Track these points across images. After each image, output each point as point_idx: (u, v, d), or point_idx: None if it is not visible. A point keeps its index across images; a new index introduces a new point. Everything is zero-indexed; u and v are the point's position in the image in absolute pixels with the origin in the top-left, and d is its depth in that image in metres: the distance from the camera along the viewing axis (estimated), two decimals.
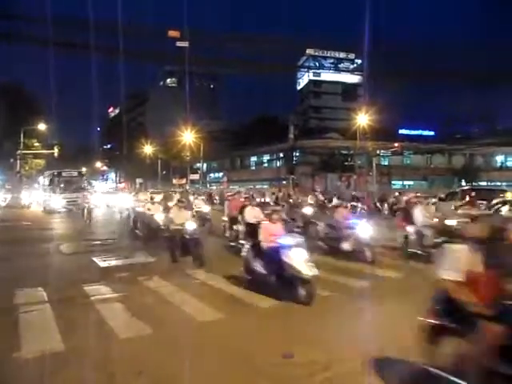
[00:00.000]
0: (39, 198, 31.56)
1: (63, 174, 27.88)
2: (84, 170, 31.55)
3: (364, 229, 9.17)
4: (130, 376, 3.75)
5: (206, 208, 15.85)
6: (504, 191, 19.17)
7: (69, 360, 4.08)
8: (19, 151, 37.34)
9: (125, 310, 5.67)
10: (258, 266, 6.50)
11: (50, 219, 21.82)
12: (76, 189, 26.99)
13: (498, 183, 48.35)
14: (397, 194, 24.18)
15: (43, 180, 31.09)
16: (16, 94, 38.93)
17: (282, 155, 50.19)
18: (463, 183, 45.16)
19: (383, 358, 3.97)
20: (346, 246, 9.09)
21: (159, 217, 11.49)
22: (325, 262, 8.19)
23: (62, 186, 26.89)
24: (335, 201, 20.11)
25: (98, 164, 76.29)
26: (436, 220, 9.65)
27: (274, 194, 25.84)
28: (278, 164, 53.48)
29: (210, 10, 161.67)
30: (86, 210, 18.74)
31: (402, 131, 57.45)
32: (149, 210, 12.23)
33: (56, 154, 39.66)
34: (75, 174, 29.07)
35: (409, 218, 9.28)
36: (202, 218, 13.63)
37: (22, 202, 33.68)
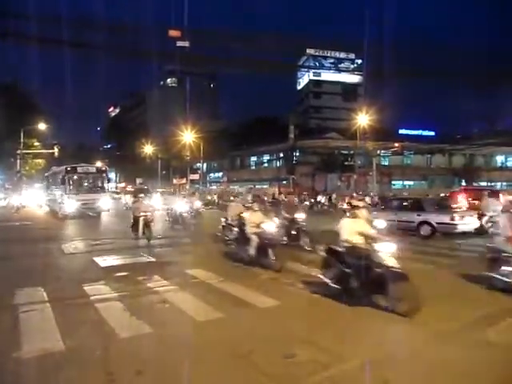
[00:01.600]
0: (40, 199, 30.06)
1: (78, 169, 22.74)
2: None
3: None
4: (130, 375, 3.74)
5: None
6: (498, 191, 19.93)
7: (69, 359, 4.08)
8: (19, 151, 37.20)
9: (125, 310, 5.67)
10: None
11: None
12: (93, 188, 22.70)
13: (499, 183, 48.45)
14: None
15: (51, 177, 26.35)
16: (16, 94, 38.85)
17: (281, 155, 50.20)
18: (463, 183, 45.21)
19: None
20: None
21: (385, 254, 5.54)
22: None
23: (76, 184, 22.18)
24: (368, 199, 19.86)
25: (99, 164, 76.23)
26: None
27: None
28: (278, 164, 53.49)
29: (210, 9, 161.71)
30: (141, 221, 12.16)
31: (402, 131, 57.41)
32: (371, 241, 5.84)
33: (56, 154, 39.70)
34: (93, 169, 24.15)
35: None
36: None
37: (11, 203, 29.94)
